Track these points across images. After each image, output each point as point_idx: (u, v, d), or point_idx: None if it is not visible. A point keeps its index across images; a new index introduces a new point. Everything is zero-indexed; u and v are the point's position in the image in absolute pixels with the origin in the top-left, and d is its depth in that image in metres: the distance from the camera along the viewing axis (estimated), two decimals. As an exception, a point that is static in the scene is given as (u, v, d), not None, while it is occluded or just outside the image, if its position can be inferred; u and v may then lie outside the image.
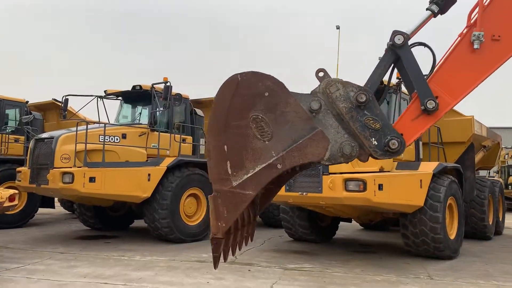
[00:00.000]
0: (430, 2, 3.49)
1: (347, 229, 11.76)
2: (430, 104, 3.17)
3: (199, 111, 10.67)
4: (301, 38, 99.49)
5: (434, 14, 3.47)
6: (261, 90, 3.05)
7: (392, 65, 3.41)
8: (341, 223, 10.17)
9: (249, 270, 6.41)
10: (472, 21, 3.42)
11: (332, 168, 6.88)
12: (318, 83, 3.19)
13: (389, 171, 7.28)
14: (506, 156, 27.12)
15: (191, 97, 10.63)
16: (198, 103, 11.14)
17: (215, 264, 3.38)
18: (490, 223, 10.73)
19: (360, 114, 3.08)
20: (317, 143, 3.02)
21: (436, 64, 3.42)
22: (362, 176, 6.65)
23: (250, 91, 3.06)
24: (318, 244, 9.00)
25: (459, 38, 3.43)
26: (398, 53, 3.27)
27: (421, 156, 8.93)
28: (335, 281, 5.89)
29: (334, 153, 3.06)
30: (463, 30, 3.46)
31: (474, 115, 9.60)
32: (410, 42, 3.37)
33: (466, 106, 9.50)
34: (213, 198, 3.09)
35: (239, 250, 3.79)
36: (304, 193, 7.09)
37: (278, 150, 3.00)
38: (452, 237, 7.80)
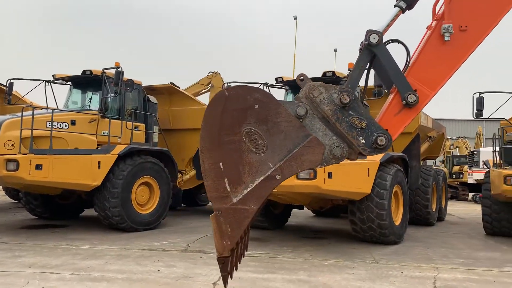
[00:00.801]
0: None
1: (299, 216, 12.03)
2: (411, 98, 3.28)
3: (152, 98, 10.49)
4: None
5: (403, 10, 3.56)
6: (251, 103, 3.04)
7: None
8: (294, 210, 10.39)
9: (201, 257, 6.45)
10: (438, 13, 3.56)
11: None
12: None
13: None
14: (451, 146, 28.56)
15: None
16: (152, 89, 10.95)
17: (226, 283, 3.31)
18: (434, 210, 11.31)
19: (345, 115, 3.16)
20: (312, 150, 3.07)
21: (410, 58, 3.48)
22: (312, 165, 6.82)
23: (240, 105, 3.05)
24: (270, 231, 9.16)
25: (429, 31, 3.54)
26: (374, 51, 3.34)
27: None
28: (284, 266, 6.04)
29: (326, 156, 3.13)
30: (431, 23, 3.59)
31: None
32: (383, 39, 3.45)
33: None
34: (215, 217, 3.05)
35: (240, 263, 3.72)
36: (258, 181, 7.17)
37: (275, 161, 3.02)
38: (397, 223, 8.17)
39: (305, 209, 10.56)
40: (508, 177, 7.93)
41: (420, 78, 3.37)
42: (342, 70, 8.49)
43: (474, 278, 5.69)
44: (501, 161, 8.94)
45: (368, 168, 7.50)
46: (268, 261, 6.30)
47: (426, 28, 3.63)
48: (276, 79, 9.19)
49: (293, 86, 9.38)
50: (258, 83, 9.20)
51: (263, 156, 3.01)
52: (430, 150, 12.42)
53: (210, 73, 15.55)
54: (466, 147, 27.35)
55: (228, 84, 9.38)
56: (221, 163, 3.02)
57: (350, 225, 8.00)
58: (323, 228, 10.21)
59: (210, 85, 15.49)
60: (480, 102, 9.40)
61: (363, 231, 7.84)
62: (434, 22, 3.53)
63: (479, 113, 9.40)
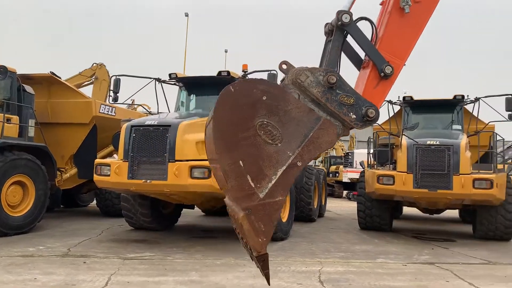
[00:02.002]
0: None
1: (189, 215, 11.90)
2: (388, 69, 3.47)
3: (28, 88, 9.45)
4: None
5: None
6: (258, 96, 2.97)
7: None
8: (183, 210, 10.23)
9: (84, 262, 5.99)
10: None
11: (178, 156, 6.85)
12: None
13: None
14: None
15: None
16: (28, 78, 9.86)
17: (269, 280, 3.26)
18: (315, 207, 12.07)
19: (333, 94, 3.23)
20: (327, 131, 3.13)
21: (378, 33, 3.64)
22: (207, 164, 6.77)
23: (248, 100, 2.96)
24: (160, 232, 8.90)
25: (386, 6, 3.74)
26: (346, 30, 3.44)
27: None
28: (176, 267, 5.90)
29: None
30: (383, 2, 3.82)
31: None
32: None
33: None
34: (246, 217, 2.94)
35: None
36: (148, 181, 6.90)
37: (293, 149, 3.01)
38: (284, 220, 8.52)
39: (195, 208, 10.48)
40: (380, 176, 8.78)
41: (390, 50, 3.57)
42: (233, 70, 8.56)
43: (353, 270, 6.17)
44: (375, 162, 9.87)
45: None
46: (158, 263, 6.10)
47: (380, 4, 3.87)
48: (170, 75, 8.95)
49: (187, 83, 9.22)
50: (150, 78, 8.87)
51: (280, 146, 3.00)
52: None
53: (95, 65, 14.55)
54: (342, 149, 29.76)
55: (116, 76, 8.78)
56: (240, 162, 2.93)
57: (241, 223, 8.12)
58: (213, 227, 10.23)
59: (94, 77, 14.50)
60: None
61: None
62: None
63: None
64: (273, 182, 2.99)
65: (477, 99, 9.77)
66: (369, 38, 3.58)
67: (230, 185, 2.98)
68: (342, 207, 18.04)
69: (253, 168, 2.97)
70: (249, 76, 8.49)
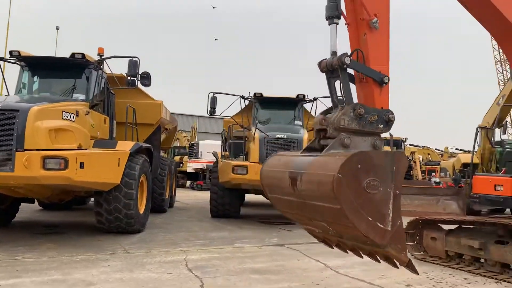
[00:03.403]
0: (328, 18, 4.19)
1: (25, 210, 10.68)
2: (386, 79, 4.17)
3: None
4: None
5: (337, 23, 4.21)
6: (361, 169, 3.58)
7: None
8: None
9: None
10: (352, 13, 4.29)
11: (28, 144, 6.16)
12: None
13: (86, 149, 7.13)
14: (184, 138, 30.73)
15: None
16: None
17: (416, 270, 4.08)
18: (167, 197, 12.09)
19: (364, 119, 3.93)
20: (399, 158, 3.81)
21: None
22: (63, 154, 6.26)
23: (356, 178, 3.54)
24: (-6, 230, 7.84)
25: (358, 28, 4.27)
26: (348, 67, 4.05)
27: (114, 135, 9.15)
28: (29, 268, 5.35)
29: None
30: (347, 23, 4.32)
31: (164, 100, 10.55)
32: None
33: (157, 93, 10.34)
34: (389, 252, 3.81)
35: None
36: (-10, 172, 6.04)
37: (390, 185, 3.69)
38: (141, 211, 8.38)
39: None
40: (235, 167, 9.31)
41: (379, 63, 4.23)
42: (65, 50, 8.19)
43: (216, 256, 6.49)
44: (229, 154, 10.39)
45: (119, 158, 7.43)
46: (7, 265, 5.44)
47: (346, 24, 4.36)
48: (11, 52, 7.89)
49: (32, 63, 8.24)
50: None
51: (382, 190, 3.65)
52: (165, 141, 13.16)
53: None
54: (187, 139, 30.07)
55: None
56: (369, 217, 3.62)
57: (96, 216, 7.72)
58: (57, 222, 9.41)
59: None
60: (213, 101, 10.65)
61: (109, 222, 7.71)
62: (360, 19, 4.28)
63: (212, 110, 10.64)
64: (390, 215, 3.73)
65: (315, 99, 11.08)
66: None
67: (370, 236, 3.68)
68: (188, 197, 18.38)
69: (377, 215, 3.68)
70: (107, 61, 8.07)
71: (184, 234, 8.32)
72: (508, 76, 37.88)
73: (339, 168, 3.42)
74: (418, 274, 4.22)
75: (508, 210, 13.67)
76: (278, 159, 4.42)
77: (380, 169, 3.68)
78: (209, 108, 10.60)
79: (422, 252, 6.94)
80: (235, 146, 10.24)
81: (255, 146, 9.40)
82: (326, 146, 3.96)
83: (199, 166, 23.49)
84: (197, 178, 24.18)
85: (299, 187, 3.86)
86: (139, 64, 7.85)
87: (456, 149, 28.03)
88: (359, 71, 4.18)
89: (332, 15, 4.15)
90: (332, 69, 4.09)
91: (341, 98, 4.17)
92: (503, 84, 38.63)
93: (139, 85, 8.24)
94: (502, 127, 11.92)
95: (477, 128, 12.55)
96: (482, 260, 6.22)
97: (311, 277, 5.55)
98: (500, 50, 38.57)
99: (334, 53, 4.08)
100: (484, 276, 5.85)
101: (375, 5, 4.17)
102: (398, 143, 20.16)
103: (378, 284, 5.33)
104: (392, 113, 4.11)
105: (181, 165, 25.92)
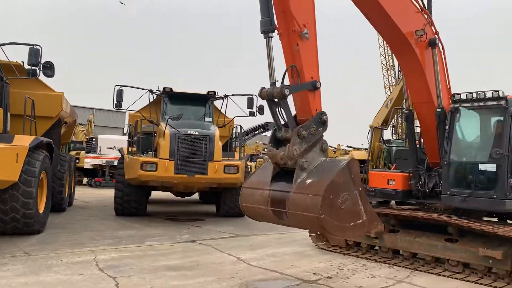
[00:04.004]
0: (263, 32, 4.42)
1: None
2: (318, 84, 4.53)
3: None
4: None
5: (272, 37, 4.44)
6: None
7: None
8: None
9: None
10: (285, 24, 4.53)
11: None
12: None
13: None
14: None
15: None
16: None
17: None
18: (66, 195, 11.36)
19: (309, 136, 4.35)
20: (352, 163, 4.37)
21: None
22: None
23: (333, 206, 4.12)
24: None
25: (289, 38, 4.52)
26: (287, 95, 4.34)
27: (8, 128, 8.39)
28: None
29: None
30: (279, 32, 4.56)
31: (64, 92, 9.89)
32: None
33: (55, 84, 9.61)
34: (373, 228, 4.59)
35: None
36: None
37: (354, 189, 4.31)
38: (41, 211, 7.83)
39: None
40: (144, 163, 9.10)
41: (310, 70, 4.54)
42: None
43: (128, 255, 6.34)
44: (136, 150, 10.07)
45: (17, 154, 6.85)
46: None
47: (279, 34, 4.58)
48: None
49: None
50: None
51: (350, 197, 4.22)
52: (64, 136, 12.31)
53: None
54: (85, 134, 28.31)
55: None
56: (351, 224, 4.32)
57: (-12, 217, 7.03)
58: None
59: None
60: (119, 94, 10.24)
61: (4, 223, 7.11)
62: (292, 31, 4.51)
63: (119, 104, 10.24)
64: (362, 208, 4.33)
65: (226, 96, 11.24)
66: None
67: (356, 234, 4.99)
68: (87, 195, 17.39)
69: (354, 216, 4.30)
70: (4, 48, 7.36)
71: (90, 234, 7.94)
72: (393, 81, 41.94)
73: (319, 209, 3.96)
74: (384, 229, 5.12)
75: (393, 202, 15.26)
76: (253, 193, 4.70)
77: (344, 184, 4.21)
78: (115, 102, 10.17)
79: (324, 242, 7.50)
80: (144, 141, 9.99)
81: (166, 142, 9.27)
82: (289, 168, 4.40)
83: (98, 162, 22.27)
84: (96, 175, 22.90)
85: (285, 219, 4.37)
86: (41, 52, 7.30)
87: (348, 146, 30.43)
88: (297, 91, 4.55)
89: (267, 30, 4.42)
90: (273, 98, 4.42)
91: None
92: (388, 88, 42.61)
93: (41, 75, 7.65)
94: (393, 128, 13.24)
95: (372, 128, 13.75)
96: (376, 247, 6.93)
97: (225, 270, 5.70)
98: (387, 57, 42.64)
99: (273, 84, 4.41)
100: (379, 262, 6.53)
101: (303, 17, 4.49)
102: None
103: (289, 273, 5.66)
104: (325, 114, 4.54)
105: (77, 161, 24.38)
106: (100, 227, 8.79)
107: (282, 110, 4.49)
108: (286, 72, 4.54)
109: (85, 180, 24.41)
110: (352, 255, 6.92)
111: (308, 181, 4.24)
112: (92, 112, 41.78)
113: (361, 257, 6.81)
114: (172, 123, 9.51)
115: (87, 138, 25.28)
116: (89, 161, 22.65)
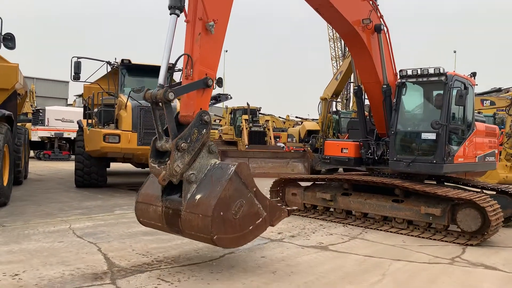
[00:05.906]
0: (170, 8, 4.25)
1: None
2: (210, 82, 4.35)
3: None
4: None
5: (178, 15, 4.31)
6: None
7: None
8: None
9: None
10: (193, 13, 4.38)
11: None
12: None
13: None
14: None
15: None
16: None
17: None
18: (23, 168, 11.22)
19: (191, 143, 4.14)
20: (242, 166, 4.23)
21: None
22: None
23: (227, 220, 4.07)
24: None
25: (194, 27, 4.34)
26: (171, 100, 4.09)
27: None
28: None
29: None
30: (187, 20, 4.40)
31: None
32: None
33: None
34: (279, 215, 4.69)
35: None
36: None
37: (247, 192, 4.27)
38: (5, 184, 7.86)
39: None
40: (107, 135, 9.21)
41: (205, 65, 4.36)
42: None
43: (101, 223, 6.62)
44: (97, 122, 10.09)
45: (-18, 127, 6.81)
46: None
47: (185, 21, 4.42)
48: None
49: None
50: None
51: (244, 202, 4.19)
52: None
53: None
54: (31, 105, 27.05)
55: None
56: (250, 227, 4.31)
57: (-48, 191, 7.00)
58: None
59: None
60: (77, 66, 10.13)
61: (-30, 197, 7.08)
62: (198, 20, 4.35)
63: (77, 76, 10.15)
64: (260, 206, 4.33)
65: (178, 69, 11.37)
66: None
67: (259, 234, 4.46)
68: (39, 167, 17.04)
69: (253, 218, 4.31)
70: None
71: (57, 205, 8.08)
72: (339, 53, 43.19)
73: (211, 230, 3.85)
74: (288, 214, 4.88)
75: (341, 169, 16.29)
76: (147, 209, 4.52)
77: (235, 192, 4.06)
78: (73, 74, 10.06)
79: (284, 206, 8.14)
80: (106, 113, 10.03)
81: (128, 114, 9.40)
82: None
83: (46, 134, 21.61)
84: (44, 148, 22.26)
85: (184, 235, 4.25)
86: (2, 24, 7.16)
87: (296, 117, 31.39)
88: (184, 93, 4.31)
89: (175, 5, 4.26)
90: (157, 101, 4.12)
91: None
92: (335, 60, 43.89)
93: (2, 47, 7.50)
94: (346, 101, 14.06)
95: (322, 100, 14.47)
96: (331, 209, 7.67)
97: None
98: (334, 30, 43.63)
99: (160, 85, 4.12)
100: (334, 221, 7.27)
101: (215, 11, 4.36)
102: (254, 112, 21.70)
103: (257, 234, 6.22)
104: (206, 113, 4.26)
105: (24, 133, 23.48)
106: (64, 199, 8.90)
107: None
108: (181, 58, 4.28)
109: (31, 153, 23.65)
110: (310, 217, 7.62)
111: (198, 196, 4.03)
112: (33, 82, 39.78)
113: (318, 218, 7.52)
114: (134, 95, 9.62)
115: (33, 110, 24.28)
116: (36, 133, 21.91)
